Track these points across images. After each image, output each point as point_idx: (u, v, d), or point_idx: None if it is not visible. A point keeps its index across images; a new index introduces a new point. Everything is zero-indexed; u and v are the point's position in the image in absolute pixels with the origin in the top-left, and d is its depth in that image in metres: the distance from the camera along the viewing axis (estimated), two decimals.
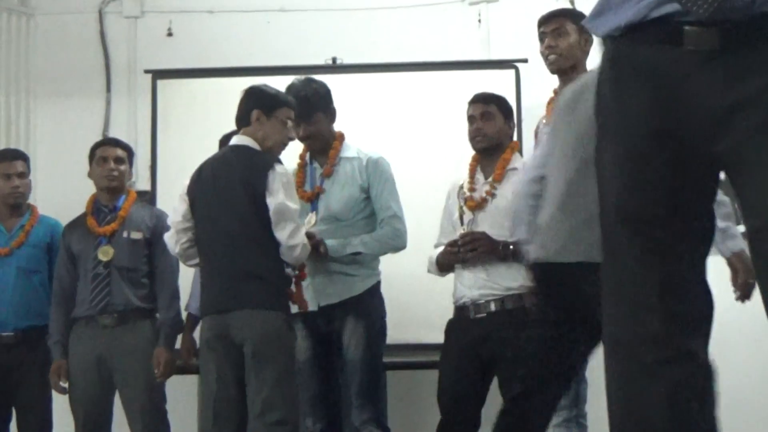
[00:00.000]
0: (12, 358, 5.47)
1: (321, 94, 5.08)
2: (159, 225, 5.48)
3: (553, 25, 4.48)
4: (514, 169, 4.91)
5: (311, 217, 4.92)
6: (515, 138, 6.26)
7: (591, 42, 4.47)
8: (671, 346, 2.31)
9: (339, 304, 4.81)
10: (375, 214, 4.93)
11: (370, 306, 4.83)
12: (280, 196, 4.52)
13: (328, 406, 4.87)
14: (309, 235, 4.75)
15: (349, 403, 4.81)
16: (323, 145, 5.06)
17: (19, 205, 5.72)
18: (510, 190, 4.78)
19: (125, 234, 5.41)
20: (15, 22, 7.37)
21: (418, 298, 5.59)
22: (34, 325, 5.52)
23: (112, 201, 5.51)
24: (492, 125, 4.98)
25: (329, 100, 5.11)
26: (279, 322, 4.49)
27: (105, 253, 5.35)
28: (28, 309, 5.53)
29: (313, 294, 4.85)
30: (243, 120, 4.86)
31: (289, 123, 4.77)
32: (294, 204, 4.59)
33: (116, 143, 5.64)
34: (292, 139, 4.84)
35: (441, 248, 4.91)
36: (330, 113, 5.10)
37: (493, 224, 4.80)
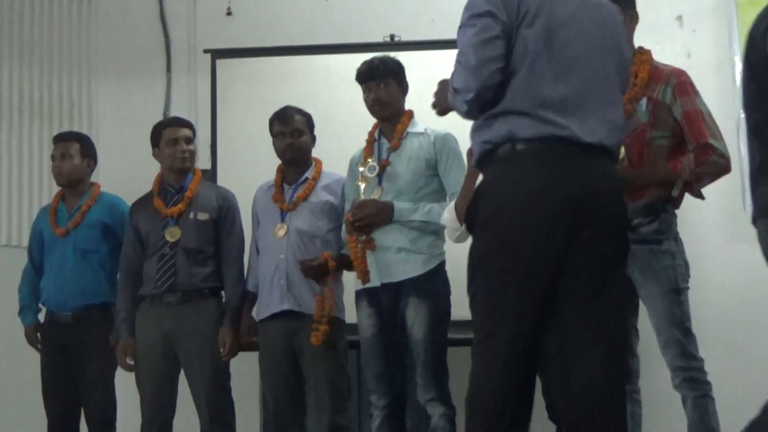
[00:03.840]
0: (72, 338, 5.57)
1: (396, 63, 5.12)
2: (226, 205, 5.55)
3: None
4: None
5: (378, 191, 4.94)
6: None
7: (636, 18, 4.49)
8: None
9: (402, 282, 4.81)
10: (440, 190, 4.92)
11: (433, 286, 4.81)
12: None
13: (392, 382, 4.88)
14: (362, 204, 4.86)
15: (414, 380, 4.83)
16: (392, 116, 5.05)
17: (70, 185, 5.81)
18: None
19: (192, 215, 5.46)
20: (76, 4, 7.46)
21: None
22: (92, 304, 5.61)
23: (179, 181, 5.55)
24: None
25: (403, 73, 5.11)
26: None
27: (172, 234, 5.41)
28: (86, 289, 5.61)
29: (376, 271, 4.87)
30: None
31: None
32: None
33: (184, 123, 5.67)
34: None
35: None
36: (403, 86, 5.10)
37: None
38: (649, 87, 4.34)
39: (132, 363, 5.42)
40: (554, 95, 3.28)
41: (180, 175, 5.56)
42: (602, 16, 3.49)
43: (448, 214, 4.48)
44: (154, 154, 5.61)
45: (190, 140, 5.59)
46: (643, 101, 4.32)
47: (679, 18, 6.73)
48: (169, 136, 5.54)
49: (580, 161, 3.29)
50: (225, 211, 5.53)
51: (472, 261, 3.35)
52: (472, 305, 3.37)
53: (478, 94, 3.30)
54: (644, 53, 4.46)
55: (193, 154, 5.60)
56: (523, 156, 3.27)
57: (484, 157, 3.38)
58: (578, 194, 3.24)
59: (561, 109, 3.27)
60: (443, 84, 3.67)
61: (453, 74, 3.38)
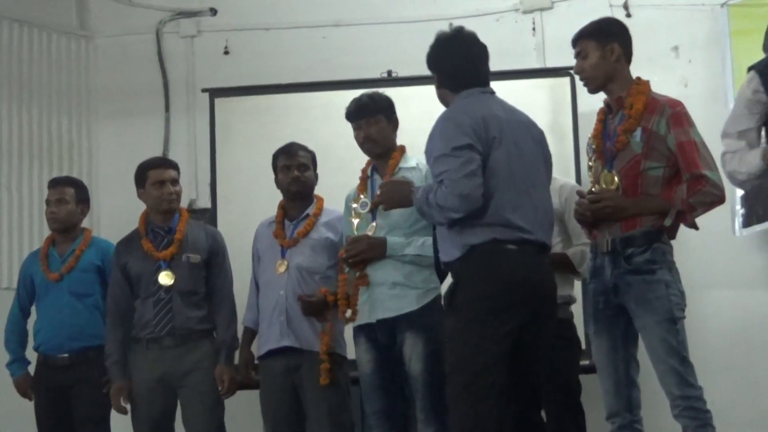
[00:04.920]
0: (68, 379, 5.61)
1: (384, 99, 5.10)
2: (215, 245, 5.58)
3: (577, 48, 4.53)
4: None
5: (372, 227, 4.94)
6: (572, 145, 6.32)
7: (618, 50, 4.45)
8: None
9: (397, 318, 4.81)
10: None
11: (429, 320, 4.78)
12: None
13: (394, 418, 4.86)
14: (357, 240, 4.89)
15: (414, 416, 4.81)
16: (383, 153, 5.05)
17: (63, 230, 5.84)
18: None
19: (184, 257, 5.46)
20: (75, 45, 7.52)
21: None
22: (88, 346, 5.64)
23: (166, 222, 5.55)
24: None
25: (392, 109, 5.11)
26: None
27: (167, 278, 5.41)
28: (82, 331, 5.65)
29: (370, 307, 4.87)
30: None
31: None
32: None
33: (169, 164, 5.69)
34: None
35: None
36: (393, 121, 5.09)
37: None
38: (643, 118, 4.32)
39: (126, 405, 5.43)
40: (520, 205, 4.13)
41: (167, 216, 5.56)
42: (536, 134, 4.36)
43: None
44: (139, 195, 5.61)
45: (176, 181, 5.59)
46: (638, 132, 4.31)
47: (676, 48, 6.76)
48: (155, 177, 5.53)
49: (538, 258, 4.19)
50: (215, 252, 5.56)
51: (452, 330, 4.15)
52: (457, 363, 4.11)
53: (466, 215, 4.06)
54: (641, 84, 4.46)
55: (179, 194, 5.61)
56: (502, 254, 4.09)
57: (466, 254, 4.12)
58: (538, 284, 4.15)
59: (525, 217, 4.13)
60: (391, 185, 4.54)
61: (438, 193, 4.08)
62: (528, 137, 4.30)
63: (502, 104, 4.37)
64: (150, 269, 5.45)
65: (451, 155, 4.07)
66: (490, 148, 4.13)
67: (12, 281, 6.75)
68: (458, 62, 4.41)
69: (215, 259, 5.53)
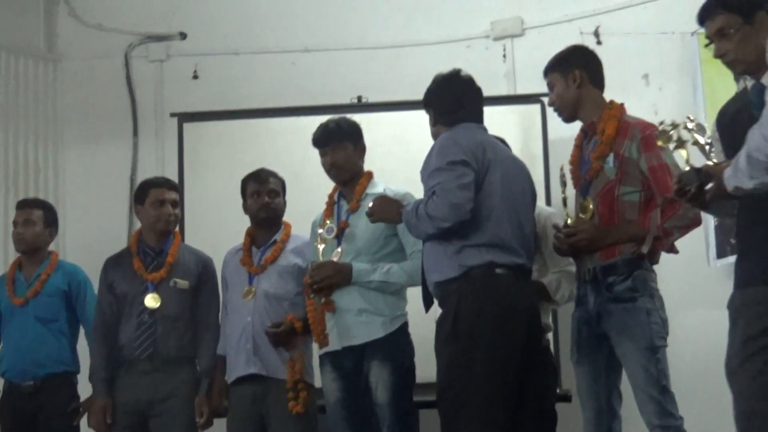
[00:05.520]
0: (33, 406, 5.53)
1: (351, 125, 5.10)
2: (205, 272, 5.52)
3: (546, 81, 4.58)
4: None
5: (337, 253, 4.91)
6: (542, 172, 6.30)
7: (580, 76, 4.46)
8: None
9: (363, 345, 4.77)
10: (399, 250, 4.89)
11: (395, 347, 4.76)
12: None
13: None
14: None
15: None
16: (350, 179, 5.04)
17: (29, 253, 5.78)
18: None
19: (172, 282, 5.39)
20: (42, 68, 7.47)
21: None
22: (53, 373, 5.57)
23: (159, 243, 5.48)
24: None
25: (359, 135, 5.10)
26: None
27: (152, 301, 5.34)
28: (47, 358, 5.59)
29: (337, 333, 4.83)
30: None
31: None
32: None
33: (172, 186, 5.62)
34: None
35: None
36: (359, 147, 5.08)
37: None
38: (615, 143, 4.32)
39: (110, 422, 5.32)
40: (512, 228, 4.25)
41: (161, 237, 5.49)
42: (524, 169, 4.55)
43: None
44: (137, 212, 5.57)
45: (176, 203, 5.55)
46: (610, 158, 4.30)
47: (646, 76, 6.76)
48: (156, 196, 5.48)
49: (528, 283, 4.38)
50: (204, 279, 5.50)
51: (456, 356, 4.14)
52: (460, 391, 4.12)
53: (453, 225, 4.12)
54: (613, 108, 4.44)
55: (177, 217, 5.58)
56: (499, 278, 4.17)
57: (462, 275, 4.18)
58: (531, 309, 4.27)
59: (518, 243, 4.26)
60: (383, 199, 4.64)
61: (428, 204, 4.16)
62: (517, 169, 4.47)
63: (494, 139, 4.53)
64: (137, 290, 5.38)
65: (446, 169, 4.17)
66: (487, 170, 4.25)
67: None
68: (454, 100, 4.53)
69: (204, 286, 5.48)
